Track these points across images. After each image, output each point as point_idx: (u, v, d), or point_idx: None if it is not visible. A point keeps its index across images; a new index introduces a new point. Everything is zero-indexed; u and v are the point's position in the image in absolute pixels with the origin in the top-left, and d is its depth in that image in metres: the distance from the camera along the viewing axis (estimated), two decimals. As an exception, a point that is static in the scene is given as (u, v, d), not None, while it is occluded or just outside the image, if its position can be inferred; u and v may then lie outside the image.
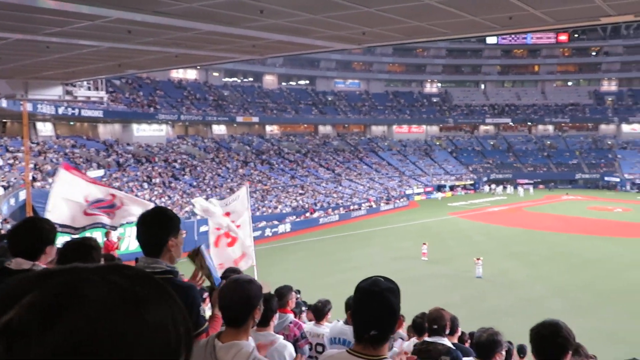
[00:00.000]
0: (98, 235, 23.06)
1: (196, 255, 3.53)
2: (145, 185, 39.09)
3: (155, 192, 38.26)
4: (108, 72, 13.37)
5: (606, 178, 65.76)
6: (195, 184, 42.90)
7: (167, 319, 0.64)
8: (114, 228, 9.38)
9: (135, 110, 48.10)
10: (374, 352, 2.10)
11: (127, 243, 21.93)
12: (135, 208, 8.77)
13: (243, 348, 2.59)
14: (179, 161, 46.54)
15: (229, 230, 8.98)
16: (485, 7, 6.08)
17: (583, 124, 75.45)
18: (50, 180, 27.35)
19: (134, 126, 48.54)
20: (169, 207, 29.87)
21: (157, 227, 2.86)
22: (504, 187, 62.73)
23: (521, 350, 9.06)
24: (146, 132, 49.41)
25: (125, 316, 0.59)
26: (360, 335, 2.12)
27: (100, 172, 38.00)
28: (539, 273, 26.43)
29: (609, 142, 71.91)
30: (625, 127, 72.25)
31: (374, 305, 2.08)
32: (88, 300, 0.57)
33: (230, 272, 5.20)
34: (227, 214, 9.25)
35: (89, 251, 3.25)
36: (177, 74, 58.68)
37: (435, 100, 77.89)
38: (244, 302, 2.63)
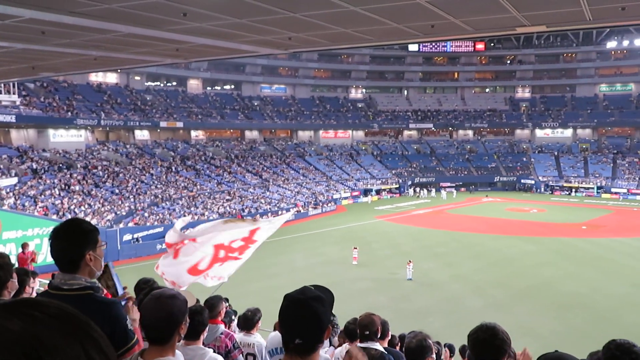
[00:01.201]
0: (13, 248, 21.74)
1: (103, 274, 3.29)
2: (63, 193, 37.29)
3: (75, 201, 36.59)
4: (20, 74, 12.67)
5: (522, 180, 69.23)
6: (117, 191, 41.38)
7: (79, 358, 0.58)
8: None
9: (52, 115, 45.83)
10: None
11: (45, 255, 20.83)
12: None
13: None
14: (100, 167, 44.77)
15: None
16: (408, 15, 6.21)
17: (500, 129, 79.06)
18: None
19: (51, 131, 46.24)
20: (89, 216, 28.52)
21: (72, 242, 2.66)
22: (428, 191, 64.65)
23: (451, 349, 9.27)
24: (64, 137, 47.19)
25: None
26: (287, 345, 2.08)
27: (14, 180, 35.94)
28: (459, 272, 27.38)
29: (524, 146, 75.79)
30: (539, 132, 76.44)
31: (299, 314, 2.04)
32: None
33: (144, 283, 4.95)
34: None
35: None
36: (97, 77, 56.51)
37: (360, 106, 79.23)
38: (167, 319, 2.48)
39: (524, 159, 72.92)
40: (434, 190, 65.32)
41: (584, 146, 72.76)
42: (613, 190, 61.70)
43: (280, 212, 47.24)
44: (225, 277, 7.09)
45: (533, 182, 68.20)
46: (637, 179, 62.68)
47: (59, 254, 2.68)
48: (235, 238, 6.87)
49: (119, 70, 50.51)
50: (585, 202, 57.63)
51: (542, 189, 66.36)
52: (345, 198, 59.70)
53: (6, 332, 0.55)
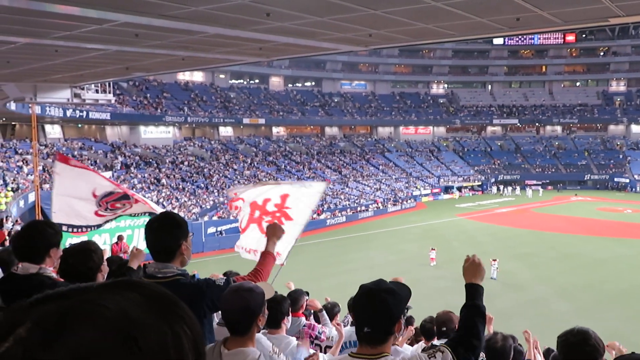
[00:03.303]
0: (107, 238, 23.17)
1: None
2: (153, 187, 39.20)
3: (163, 194, 38.36)
4: (115, 75, 13.44)
5: (616, 179, 65.37)
6: (202, 185, 43.00)
7: (167, 343, 0.64)
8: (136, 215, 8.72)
9: (143, 113, 48.31)
10: (371, 351, 2.13)
11: (136, 245, 21.98)
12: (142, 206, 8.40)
13: (249, 355, 2.58)
14: (186, 163, 46.65)
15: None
16: (492, 9, 6.06)
17: (591, 124, 75.05)
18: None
19: (141, 128, 48.73)
20: (177, 209, 29.83)
21: (168, 233, 2.87)
22: (513, 189, 62.50)
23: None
24: (153, 134, 49.57)
25: (115, 351, 0.59)
26: (358, 333, 2.17)
27: (108, 174, 38.17)
28: (545, 274, 26.31)
29: (618, 143, 71.48)
30: (635, 128, 71.79)
31: (369, 303, 2.13)
32: (74, 338, 0.58)
33: (230, 273, 5.22)
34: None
35: (89, 255, 3.27)
36: (184, 76, 58.85)
37: (441, 101, 77.70)
38: (245, 311, 2.61)
39: (618, 156, 68.80)
40: (518, 188, 62.99)
41: (686, 143, 67.69)
42: None
43: (359, 208, 47.31)
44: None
45: (627, 180, 64.19)
46: None
47: (156, 245, 2.89)
48: (268, 197, 6.79)
49: (204, 69, 52.35)
50: (686, 202, 53.64)
51: (638, 188, 62.30)
52: (426, 195, 58.83)
53: (103, 310, 0.62)
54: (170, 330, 0.65)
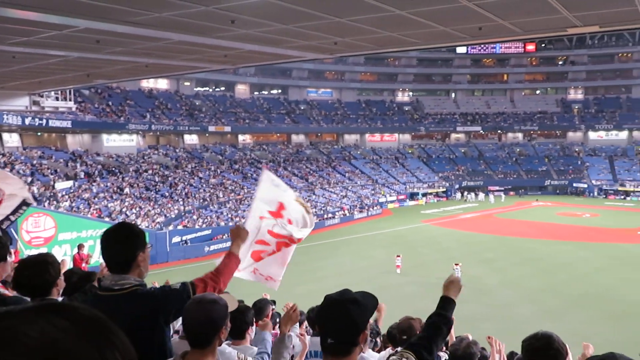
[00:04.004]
0: (68, 249, 22.58)
1: None
2: (116, 196, 38.47)
3: (126, 203, 37.68)
4: (76, 82, 13.17)
5: (574, 184, 67.14)
6: (167, 194, 42.40)
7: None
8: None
9: (105, 120, 47.44)
10: None
11: (99, 256, 21.51)
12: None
13: None
14: (150, 171, 45.97)
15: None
16: (456, 18, 6.15)
17: (551, 131, 77.01)
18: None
19: (104, 136, 47.80)
20: (139, 219, 29.32)
21: (124, 244, 2.80)
22: (476, 194, 63.53)
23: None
24: (116, 142, 48.70)
25: None
26: (322, 344, 2.13)
27: (69, 184, 37.30)
28: (509, 278, 26.75)
29: (577, 149, 73.52)
30: (592, 135, 74.02)
31: (333, 314, 2.10)
32: None
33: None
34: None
35: (45, 268, 3.16)
36: (148, 83, 58.08)
37: (407, 109, 78.63)
38: (207, 324, 2.54)
39: (577, 162, 70.73)
40: (481, 194, 64.11)
41: (641, 149, 70.01)
42: (672, 194, 59.09)
43: (326, 216, 47.37)
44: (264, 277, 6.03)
45: (586, 185, 66.01)
46: (698, 183, 59.86)
47: (111, 256, 2.81)
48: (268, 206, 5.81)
49: (169, 77, 51.78)
50: (642, 207, 55.41)
51: (596, 193, 64.12)
52: (392, 202, 59.29)
53: (24, 338, 0.57)
54: (99, 357, 0.61)
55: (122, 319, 2.59)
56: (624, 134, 72.56)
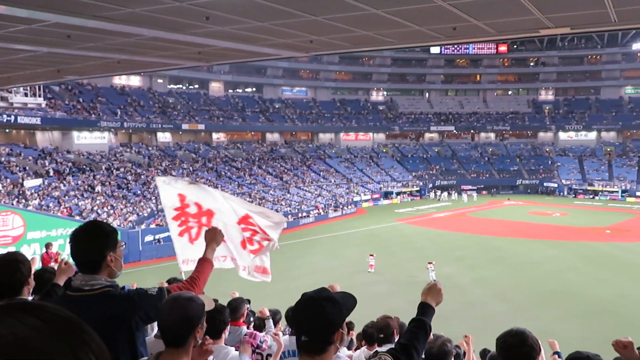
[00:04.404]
0: (37, 248, 22.15)
1: None
2: (87, 194, 37.84)
3: (98, 202, 37.09)
4: (46, 78, 12.88)
5: (545, 184, 68.35)
6: (139, 192, 41.86)
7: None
8: None
9: (76, 117, 46.55)
10: None
11: (69, 255, 21.10)
12: None
13: None
14: (122, 169, 45.33)
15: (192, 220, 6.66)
16: (430, 18, 6.18)
17: (523, 131, 78.24)
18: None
19: (75, 133, 46.96)
20: (111, 217, 28.86)
21: (93, 244, 2.73)
22: (449, 194, 64.20)
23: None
24: (87, 139, 47.90)
25: None
26: (297, 342, 2.12)
27: (39, 182, 36.55)
28: (481, 276, 27.11)
29: (547, 149, 74.85)
30: (562, 135, 75.45)
31: (307, 312, 2.09)
32: None
33: (173, 279, 5.05)
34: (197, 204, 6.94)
35: (16, 267, 3.07)
36: (120, 80, 57.24)
37: (381, 108, 79.04)
38: (183, 321, 2.48)
39: (547, 162, 72.04)
40: (455, 193, 64.83)
41: (609, 149, 71.55)
42: (638, 194, 60.54)
43: (300, 215, 47.34)
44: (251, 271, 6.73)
45: (556, 185, 67.26)
46: (663, 182, 61.50)
47: (80, 256, 2.74)
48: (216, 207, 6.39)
49: (142, 73, 51.13)
50: (609, 205, 56.69)
51: (565, 193, 65.40)
52: (366, 200, 59.55)
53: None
54: (73, 357, 0.60)
55: (92, 320, 2.53)
56: (592, 135, 74.13)
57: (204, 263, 3.41)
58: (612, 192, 62.60)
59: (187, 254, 5.91)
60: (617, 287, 24.72)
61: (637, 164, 66.38)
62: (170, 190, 6.23)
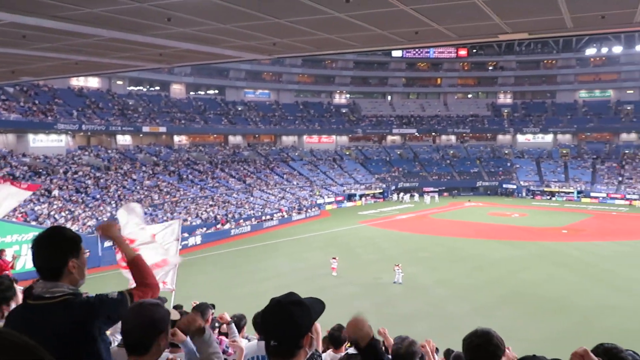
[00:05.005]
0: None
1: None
2: (43, 199, 36.80)
3: (55, 206, 36.12)
4: (0, 79, 12.48)
5: (504, 185, 69.86)
6: (99, 196, 40.96)
7: None
8: None
9: (32, 120, 45.25)
10: None
11: (24, 261, 20.46)
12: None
13: None
14: (81, 173, 44.27)
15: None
16: (393, 22, 6.24)
17: (482, 134, 79.79)
18: None
19: (30, 136, 45.66)
20: (69, 222, 28.14)
21: (55, 250, 2.65)
22: (411, 195, 64.94)
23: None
24: (44, 142, 46.64)
25: None
26: (266, 347, 2.11)
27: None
28: (443, 277, 27.50)
29: (506, 152, 76.52)
30: (520, 138, 77.29)
31: (275, 316, 2.08)
32: None
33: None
34: (153, 235, 8.40)
35: None
36: (78, 81, 55.88)
37: (344, 111, 79.44)
38: (148, 326, 2.42)
39: (506, 164, 73.64)
40: (417, 195, 65.64)
41: (564, 151, 73.64)
42: (592, 194, 62.52)
43: (264, 218, 47.13)
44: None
45: (515, 186, 68.84)
46: (615, 183, 63.61)
47: (41, 262, 2.65)
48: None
49: (100, 75, 50.06)
50: (565, 206, 58.31)
51: (524, 194, 67.01)
52: (329, 203, 59.72)
53: None
54: None
55: (53, 328, 2.45)
56: (549, 137, 76.15)
57: (134, 261, 3.16)
58: (568, 193, 64.43)
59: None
60: (572, 285, 25.43)
61: (591, 166, 68.52)
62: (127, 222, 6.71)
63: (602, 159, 69.47)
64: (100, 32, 6.77)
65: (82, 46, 7.87)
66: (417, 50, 76.20)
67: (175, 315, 2.78)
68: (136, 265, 3.15)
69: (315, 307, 2.18)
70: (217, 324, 8.28)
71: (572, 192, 64.19)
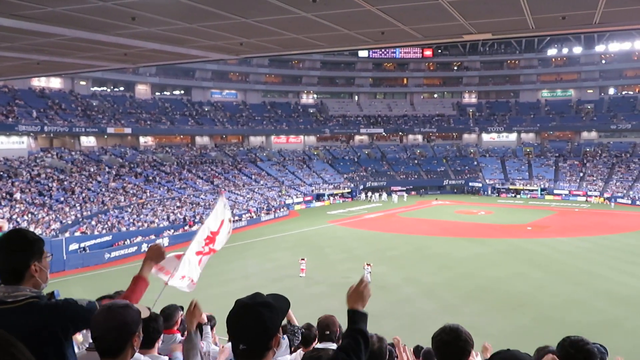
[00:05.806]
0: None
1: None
2: (5, 202, 35.81)
3: (17, 210, 35.20)
4: (-43, 79, 12.11)
5: (470, 184, 70.93)
6: (62, 199, 40.07)
7: None
8: None
9: (-9, 121, 44.07)
10: None
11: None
12: None
13: None
14: (44, 175, 43.25)
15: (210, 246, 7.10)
16: (360, 22, 6.28)
17: (448, 133, 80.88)
18: None
19: (-10, 138, 44.45)
20: (32, 225, 27.47)
21: (17, 252, 2.59)
22: (380, 195, 65.39)
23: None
24: (4, 144, 45.44)
25: None
26: (234, 350, 2.05)
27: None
28: (411, 275, 27.75)
29: (472, 150, 77.73)
30: (485, 137, 78.63)
31: (244, 319, 2.03)
32: None
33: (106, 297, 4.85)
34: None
35: None
36: (39, 82, 54.58)
37: (311, 111, 79.51)
38: (119, 329, 2.38)
39: (472, 163, 74.78)
40: (385, 194, 66.14)
41: (528, 150, 75.22)
42: (555, 192, 64.06)
43: (232, 219, 46.75)
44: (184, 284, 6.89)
45: (480, 185, 69.97)
46: (577, 180, 65.26)
47: (2, 265, 2.59)
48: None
49: (63, 75, 48.99)
50: (530, 203, 59.53)
51: (489, 192, 68.19)
52: (298, 203, 59.68)
53: None
54: None
55: (16, 333, 2.39)
56: (513, 136, 77.65)
57: (138, 281, 3.31)
58: (532, 190, 65.82)
59: (186, 271, 6.26)
60: (536, 281, 25.98)
61: (554, 164, 70.14)
62: (220, 214, 6.55)
63: (564, 157, 71.18)
64: (62, 31, 6.64)
65: (43, 46, 7.70)
66: (383, 50, 76.87)
67: (145, 312, 2.74)
68: (137, 283, 3.31)
69: (281, 306, 2.16)
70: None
71: (536, 190, 65.60)
